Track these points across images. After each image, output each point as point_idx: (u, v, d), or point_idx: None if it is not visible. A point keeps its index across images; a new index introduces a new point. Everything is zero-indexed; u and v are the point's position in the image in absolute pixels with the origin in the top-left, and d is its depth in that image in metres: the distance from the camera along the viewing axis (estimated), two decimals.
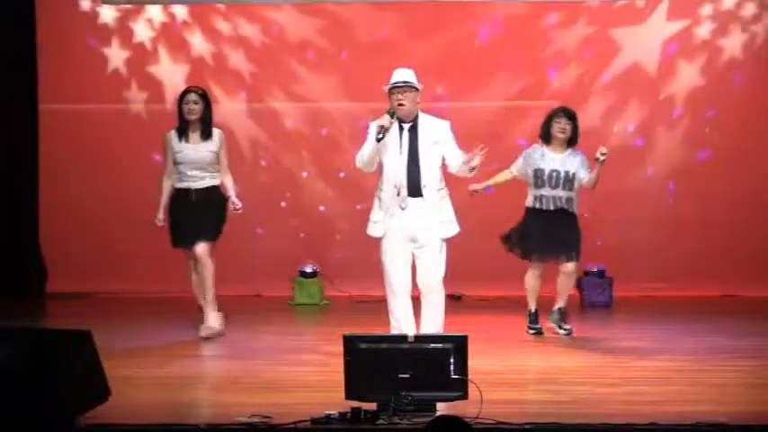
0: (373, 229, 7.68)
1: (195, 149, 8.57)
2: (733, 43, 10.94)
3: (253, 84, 11.16)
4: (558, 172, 8.59)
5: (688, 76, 10.98)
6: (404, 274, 7.56)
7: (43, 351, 5.74)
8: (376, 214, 7.68)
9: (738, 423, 5.90)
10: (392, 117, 7.53)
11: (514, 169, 8.80)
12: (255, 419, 5.95)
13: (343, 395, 6.09)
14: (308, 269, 10.68)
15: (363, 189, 11.07)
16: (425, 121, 7.67)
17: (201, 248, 8.58)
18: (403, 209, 7.53)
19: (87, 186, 11.02)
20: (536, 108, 10.98)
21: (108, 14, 11.07)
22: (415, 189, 7.55)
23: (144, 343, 8.47)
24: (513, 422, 5.87)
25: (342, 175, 11.14)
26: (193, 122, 8.60)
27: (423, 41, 10.94)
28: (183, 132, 8.60)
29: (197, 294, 8.74)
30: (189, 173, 8.58)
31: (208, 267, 8.60)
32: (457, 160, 7.63)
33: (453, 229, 7.67)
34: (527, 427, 5.84)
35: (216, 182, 8.66)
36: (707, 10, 10.95)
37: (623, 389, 7.03)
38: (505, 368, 7.51)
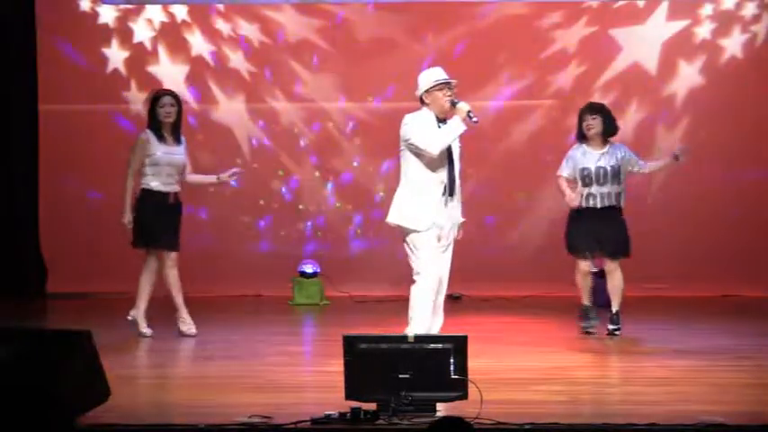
0: (413, 222, 7.44)
1: (174, 152, 8.52)
2: (733, 43, 10.95)
3: (253, 84, 11.16)
4: (605, 168, 8.58)
5: (688, 76, 10.98)
6: (436, 268, 7.49)
7: (43, 351, 5.74)
8: (416, 209, 7.45)
9: (738, 423, 5.90)
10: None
11: (565, 172, 8.74)
12: (255, 419, 5.95)
13: (342, 395, 6.08)
14: (308, 269, 10.67)
15: (364, 189, 11.11)
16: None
17: (175, 258, 8.59)
18: (446, 207, 7.49)
19: (87, 186, 11.03)
20: (536, 107, 11.01)
21: (108, 14, 11.07)
22: (453, 188, 7.53)
23: (144, 343, 8.48)
24: (513, 422, 5.87)
25: (342, 175, 11.16)
26: (167, 125, 8.52)
27: (422, 41, 10.94)
28: (160, 134, 8.52)
29: (143, 292, 8.64)
30: (167, 176, 8.50)
31: (177, 276, 8.62)
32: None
33: None
34: (527, 427, 5.84)
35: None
36: (707, 10, 10.96)
37: (623, 389, 7.04)
38: (505, 368, 7.51)
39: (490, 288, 10.47)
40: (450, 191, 7.50)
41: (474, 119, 7.48)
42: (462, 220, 7.71)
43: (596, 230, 8.63)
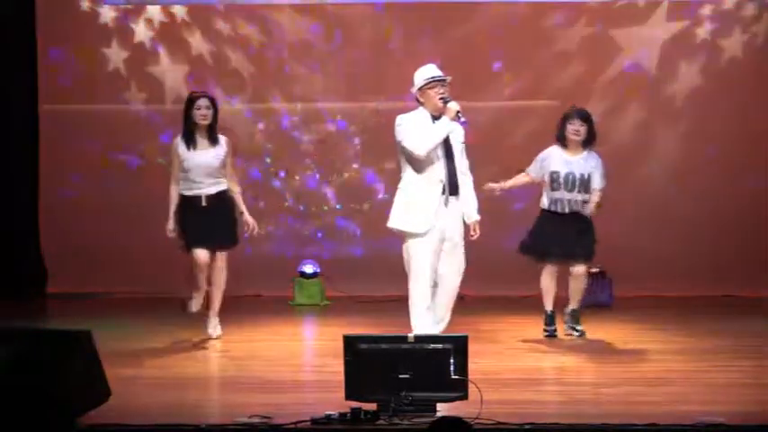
0: (412, 225, 7.46)
1: (204, 155, 8.48)
2: (733, 43, 10.93)
3: (253, 84, 11.15)
4: (574, 174, 8.53)
5: (688, 76, 10.97)
6: (433, 272, 7.51)
7: (43, 351, 5.74)
8: (414, 211, 7.48)
9: (737, 423, 5.91)
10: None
11: (531, 172, 8.70)
12: (255, 420, 5.96)
13: (343, 395, 6.09)
14: (309, 270, 10.67)
15: (365, 189, 11.10)
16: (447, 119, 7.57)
17: (222, 258, 8.54)
18: (446, 207, 7.46)
19: (87, 186, 11.03)
20: (536, 108, 10.98)
21: (108, 14, 11.04)
22: (453, 187, 7.50)
23: (144, 343, 8.47)
24: (513, 423, 5.88)
25: (343, 174, 11.15)
26: (202, 128, 8.51)
27: (423, 42, 10.91)
28: (190, 138, 8.50)
29: (197, 291, 8.59)
30: (198, 179, 8.46)
31: (224, 276, 8.57)
32: (464, 179, 7.63)
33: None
34: (526, 427, 5.85)
35: (223, 186, 8.56)
36: (707, 10, 10.93)
37: (623, 389, 7.03)
38: (505, 368, 7.50)
39: (490, 288, 10.44)
40: (450, 189, 7.47)
41: (462, 119, 7.46)
42: (476, 218, 7.68)
43: (563, 234, 8.55)
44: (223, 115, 10.92)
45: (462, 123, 7.51)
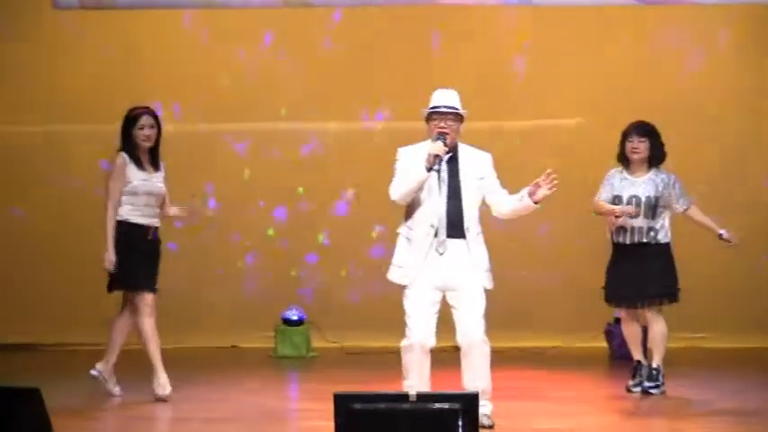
0: (398, 275, 7.33)
1: (154, 181, 8.34)
2: (732, 44, 11.12)
3: (235, 102, 11.07)
4: (639, 198, 8.48)
5: (708, 82, 11.07)
6: (427, 327, 7.30)
7: None
8: (402, 258, 7.34)
9: None
10: (444, 143, 7.17)
11: (606, 199, 8.60)
12: None
13: None
14: (293, 316, 10.66)
15: (359, 224, 11.01)
16: (467, 153, 7.39)
17: (152, 303, 8.33)
18: (441, 253, 7.25)
19: (35, 223, 11.01)
20: (555, 126, 10.94)
21: (62, 28, 11.06)
22: (456, 230, 7.25)
23: (99, 400, 8.39)
24: None
25: (333, 207, 11.17)
26: (144, 149, 8.31)
27: (428, 53, 11.04)
28: (138, 159, 8.31)
29: (115, 343, 8.44)
30: (146, 207, 8.30)
31: (154, 326, 8.37)
32: (502, 199, 7.37)
33: (491, 279, 7.43)
34: None
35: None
36: (710, 14, 11.10)
37: None
38: (520, 429, 7.47)
39: (508, 338, 10.32)
40: (449, 232, 7.25)
41: (437, 167, 7.12)
42: (486, 286, 7.37)
43: (627, 272, 8.52)
44: (203, 136, 10.90)
45: (428, 170, 7.15)
